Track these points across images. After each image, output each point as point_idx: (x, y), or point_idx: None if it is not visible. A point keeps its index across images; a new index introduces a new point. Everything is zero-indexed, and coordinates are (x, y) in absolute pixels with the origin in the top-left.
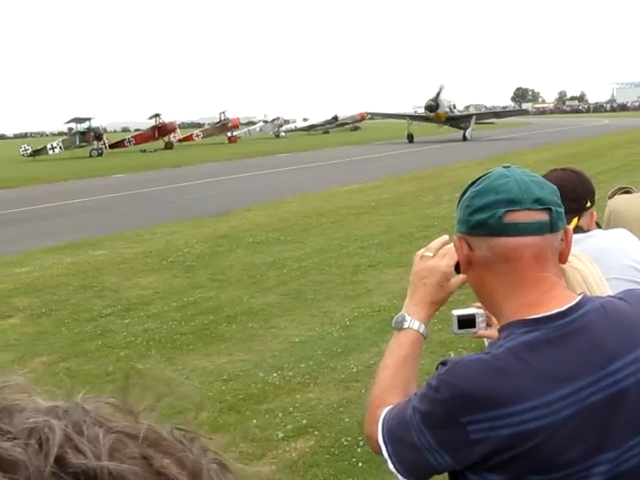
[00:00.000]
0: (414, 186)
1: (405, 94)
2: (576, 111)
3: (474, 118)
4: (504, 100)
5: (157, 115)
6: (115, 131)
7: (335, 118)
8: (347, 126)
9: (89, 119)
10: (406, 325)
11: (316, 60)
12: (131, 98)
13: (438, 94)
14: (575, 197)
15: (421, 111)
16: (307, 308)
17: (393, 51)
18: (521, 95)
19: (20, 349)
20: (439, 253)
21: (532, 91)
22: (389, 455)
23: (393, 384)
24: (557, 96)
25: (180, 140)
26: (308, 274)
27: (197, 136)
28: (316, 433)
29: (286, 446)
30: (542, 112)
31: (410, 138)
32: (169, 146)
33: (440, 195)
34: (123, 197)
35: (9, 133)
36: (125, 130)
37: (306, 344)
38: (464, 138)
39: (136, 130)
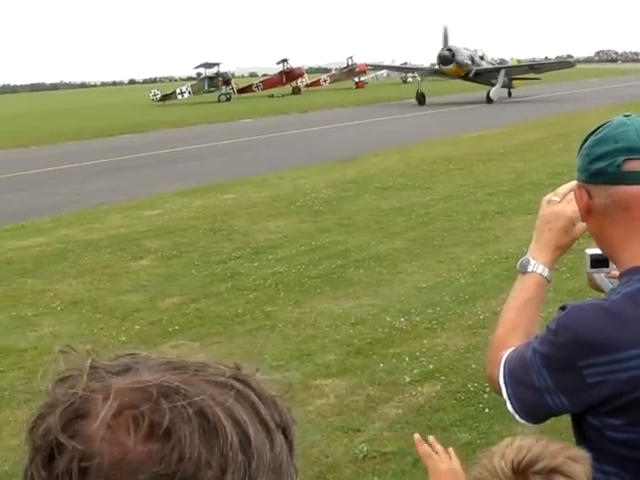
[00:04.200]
0: (543, 133)
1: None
2: None
3: (503, 73)
4: None
5: (285, 60)
6: (243, 76)
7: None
8: None
9: (218, 64)
10: (530, 269)
11: (445, 2)
12: (259, 43)
13: (446, 40)
14: None
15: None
16: (434, 254)
17: None
18: None
19: (151, 290)
20: (566, 198)
21: None
22: (508, 396)
23: (516, 326)
24: None
25: (307, 85)
26: (435, 220)
27: (324, 81)
28: (443, 378)
29: (412, 390)
30: None
31: (421, 98)
32: (296, 91)
33: (570, 142)
34: (251, 142)
35: (139, 78)
36: (253, 75)
37: (433, 290)
38: (488, 99)
39: (264, 75)
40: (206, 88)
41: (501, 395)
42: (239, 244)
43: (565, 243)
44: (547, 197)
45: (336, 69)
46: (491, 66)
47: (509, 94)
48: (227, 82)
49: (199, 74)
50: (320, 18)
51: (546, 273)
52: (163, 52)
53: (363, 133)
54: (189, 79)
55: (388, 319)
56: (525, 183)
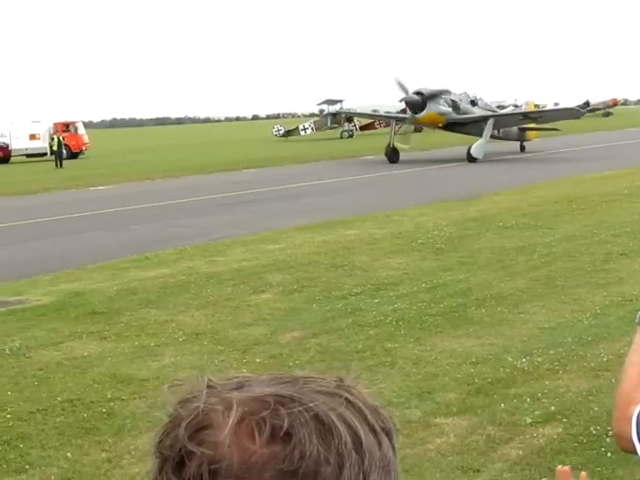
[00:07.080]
0: None
1: None
2: None
3: (490, 122)
4: None
5: None
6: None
7: (587, 103)
8: (599, 112)
9: (340, 101)
10: None
11: (571, 43)
12: (381, 80)
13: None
14: None
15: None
16: (557, 294)
17: None
18: None
19: (273, 324)
20: None
21: None
22: None
23: None
24: None
25: None
26: (558, 260)
27: None
28: (564, 420)
29: (534, 432)
30: None
31: (392, 155)
32: (418, 129)
33: None
34: (373, 178)
35: (262, 114)
36: (375, 112)
37: (555, 330)
38: (469, 157)
39: (386, 112)
40: (329, 124)
41: (634, 453)
42: (360, 280)
43: None
44: None
45: None
46: (474, 114)
47: (522, 148)
48: (350, 119)
49: (322, 110)
50: (440, 55)
51: None
52: (286, 88)
53: (484, 172)
54: (311, 115)
55: (509, 359)
56: None
